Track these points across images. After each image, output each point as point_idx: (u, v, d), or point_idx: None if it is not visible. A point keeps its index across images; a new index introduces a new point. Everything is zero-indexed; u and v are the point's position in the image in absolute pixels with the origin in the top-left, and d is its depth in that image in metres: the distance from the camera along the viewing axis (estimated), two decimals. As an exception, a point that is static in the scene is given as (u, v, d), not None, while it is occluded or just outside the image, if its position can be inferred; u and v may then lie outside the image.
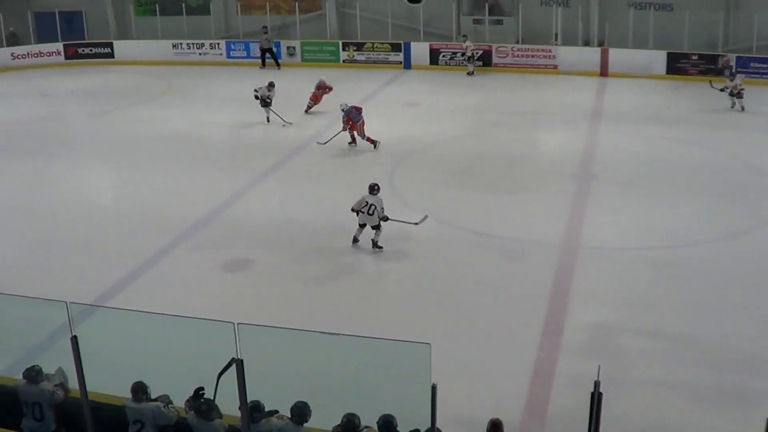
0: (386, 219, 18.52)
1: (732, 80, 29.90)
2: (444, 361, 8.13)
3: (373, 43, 39.97)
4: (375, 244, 18.58)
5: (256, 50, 41.44)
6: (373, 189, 18.71)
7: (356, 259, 18.23)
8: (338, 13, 42.02)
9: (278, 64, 40.70)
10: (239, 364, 8.63)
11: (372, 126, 25.97)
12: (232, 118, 30.66)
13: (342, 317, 15.15)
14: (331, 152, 25.92)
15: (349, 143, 26.12)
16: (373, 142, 25.63)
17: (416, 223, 18.57)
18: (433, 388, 8.13)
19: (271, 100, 29.52)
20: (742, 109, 29.28)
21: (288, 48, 41.29)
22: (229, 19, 44.34)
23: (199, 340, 9.70)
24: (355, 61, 40.20)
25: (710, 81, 30.35)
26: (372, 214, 18.39)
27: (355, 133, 26.05)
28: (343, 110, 26.00)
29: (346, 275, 17.65)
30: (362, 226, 18.67)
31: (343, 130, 26.10)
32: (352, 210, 18.60)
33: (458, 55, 38.06)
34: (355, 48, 40.41)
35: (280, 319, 10.73)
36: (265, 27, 41.09)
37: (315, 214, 20.85)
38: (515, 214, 20.57)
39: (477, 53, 37.58)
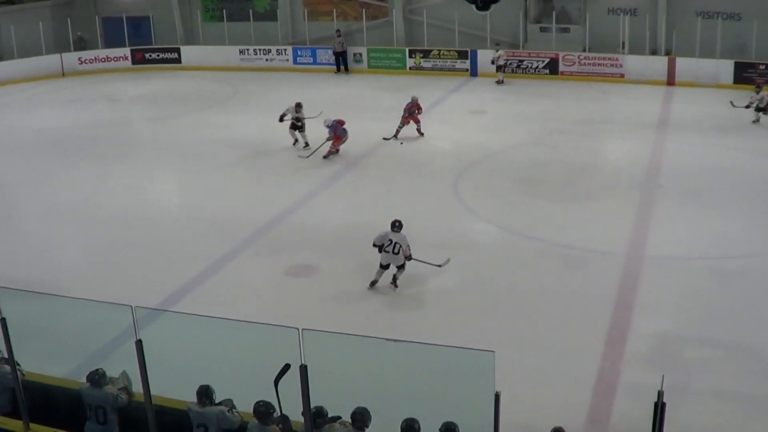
0: (410, 258, 17.33)
1: (758, 93, 29.43)
2: (506, 368, 8.09)
3: (440, 50, 39.90)
4: (395, 282, 17.41)
5: (322, 57, 41.58)
6: (395, 226, 17.45)
7: (418, 267, 18.18)
8: (405, 20, 42.01)
9: (347, 69, 40.78)
10: (303, 369, 8.65)
11: (438, 133, 25.95)
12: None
13: (404, 324, 15.17)
14: (395, 158, 25.92)
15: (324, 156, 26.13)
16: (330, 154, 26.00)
17: (439, 266, 17.70)
18: (497, 396, 8.08)
19: (302, 122, 27.39)
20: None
21: (354, 54, 41.32)
22: (296, 25, 44.52)
23: (263, 346, 9.72)
24: (422, 68, 40.15)
25: (731, 101, 29.79)
26: (397, 253, 17.18)
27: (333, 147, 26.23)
28: (328, 126, 25.88)
29: (409, 282, 17.57)
30: (384, 267, 17.30)
31: (333, 146, 26.21)
32: (374, 245, 17.42)
33: (491, 63, 37.72)
34: (421, 55, 40.37)
35: (343, 325, 10.74)
36: (338, 30, 41.10)
37: (379, 221, 20.79)
38: (580, 223, 20.41)
39: (507, 62, 37.38)
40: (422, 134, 28.04)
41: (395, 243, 17.12)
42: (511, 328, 15.13)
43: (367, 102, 34.10)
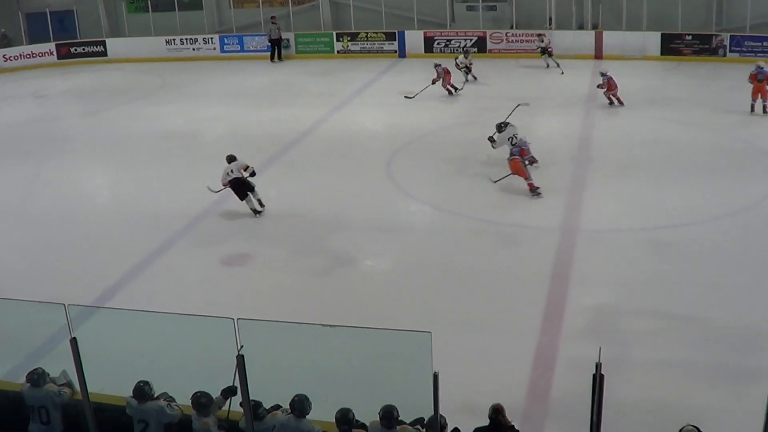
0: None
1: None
2: (445, 348, 8.12)
3: (368, 33, 39.90)
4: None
5: (250, 44, 41.36)
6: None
7: (352, 251, 18.20)
8: (331, 4, 41.93)
9: (281, 57, 40.52)
10: (240, 359, 8.62)
11: (369, 116, 25.94)
12: (227, 113, 30.58)
13: (341, 309, 15.13)
14: (326, 143, 25.90)
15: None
16: None
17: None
18: (435, 376, 8.10)
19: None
20: None
21: (283, 40, 41.15)
22: (222, 13, 44.26)
23: (200, 337, 9.69)
24: (350, 52, 40.12)
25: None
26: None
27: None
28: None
29: (343, 267, 17.59)
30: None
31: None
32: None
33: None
34: (349, 38, 40.34)
35: (280, 313, 10.69)
36: (274, 17, 40.90)
37: (310, 207, 20.82)
38: (513, 200, 20.53)
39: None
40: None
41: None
42: (448, 308, 15.18)
43: (296, 88, 33.96)
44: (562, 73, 33.91)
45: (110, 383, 10.31)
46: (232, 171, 20.55)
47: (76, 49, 44.27)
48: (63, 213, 21.78)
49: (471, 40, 37.75)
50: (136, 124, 29.74)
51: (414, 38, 39.04)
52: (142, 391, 9.90)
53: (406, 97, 30.83)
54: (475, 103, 29.76)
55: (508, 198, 20.69)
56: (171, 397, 10.05)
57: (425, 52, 38.44)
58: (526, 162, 21.07)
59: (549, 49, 35.49)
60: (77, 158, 27.10)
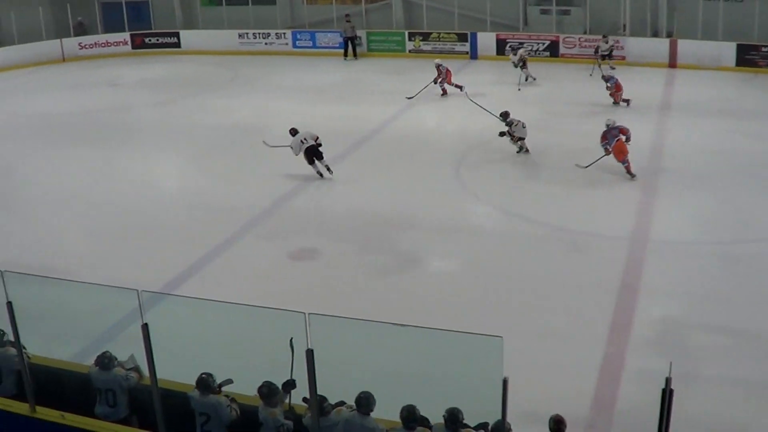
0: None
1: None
2: (509, 353, 8.07)
3: (440, 33, 39.84)
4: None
5: (322, 40, 41.47)
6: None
7: (420, 251, 18.21)
8: (404, 3, 41.93)
9: (356, 55, 40.53)
10: (309, 354, 8.64)
11: (438, 116, 25.90)
12: (298, 107, 30.69)
13: (406, 309, 15.08)
14: (396, 142, 25.88)
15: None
16: None
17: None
18: (505, 382, 8.05)
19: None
20: None
21: (357, 38, 41.19)
22: (295, 8, 44.44)
23: (269, 330, 9.73)
24: (421, 51, 40.06)
25: None
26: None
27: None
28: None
29: (410, 267, 17.59)
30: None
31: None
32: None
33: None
34: (421, 38, 40.29)
35: (346, 310, 10.72)
36: (348, 15, 40.98)
37: (378, 205, 20.85)
38: (584, 207, 20.39)
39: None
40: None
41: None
42: (515, 314, 15.10)
43: (367, 86, 34.01)
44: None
45: (177, 370, 10.38)
46: (305, 139, 22.46)
47: (150, 40, 44.78)
48: (134, 200, 22.05)
49: (543, 43, 37.56)
50: (206, 116, 29.97)
51: (486, 40, 38.89)
52: (206, 383, 9.95)
53: (407, 98, 31.15)
54: (546, 107, 29.57)
55: (579, 205, 20.56)
56: (231, 397, 10.08)
57: (497, 54, 38.26)
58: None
59: (604, 54, 35.28)
60: (149, 147, 27.40)
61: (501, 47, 38.57)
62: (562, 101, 30.31)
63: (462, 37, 39.47)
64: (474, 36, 39.26)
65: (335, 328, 9.20)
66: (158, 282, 16.18)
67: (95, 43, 44.50)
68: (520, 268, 17.19)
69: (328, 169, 22.60)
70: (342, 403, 9.71)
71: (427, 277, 17.36)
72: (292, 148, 22.66)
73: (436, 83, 31.72)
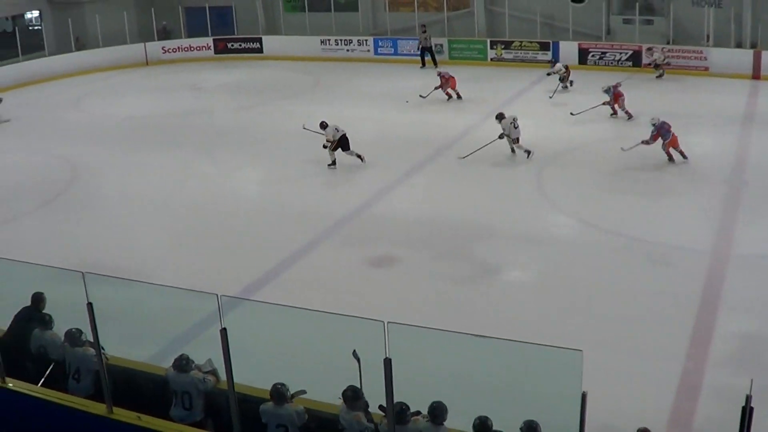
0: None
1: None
2: (587, 366, 7.97)
3: (521, 42, 39.64)
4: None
5: (404, 48, 41.40)
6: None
7: (498, 260, 18.12)
8: (486, 11, 41.80)
9: (435, 63, 40.40)
10: (387, 362, 8.61)
11: (521, 125, 25.70)
12: (379, 114, 30.74)
13: (484, 319, 15.07)
14: (480, 151, 25.76)
15: None
16: None
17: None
18: (583, 396, 7.96)
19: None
20: None
21: (435, 45, 41.03)
22: (377, 15, 44.51)
23: (347, 337, 9.73)
24: (503, 60, 39.88)
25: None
26: None
27: None
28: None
29: (488, 276, 17.52)
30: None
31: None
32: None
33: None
34: (503, 46, 40.10)
35: (423, 318, 10.69)
36: (424, 25, 40.87)
37: (457, 212, 20.81)
38: (664, 219, 20.11)
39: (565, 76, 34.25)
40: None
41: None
42: (593, 326, 14.95)
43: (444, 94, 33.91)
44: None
45: (252, 375, 10.42)
46: (338, 129, 24.62)
47: (232, 45, 45.17)
48: (214, 204, 22.27)
49: (626, 53, 37.17)
50: (288, 122, 30.01)
51: (568, 49, 38.57)
52: (279, 393, 9.95)
53: (420, 96, 32.65)
54: (628, 118, 29.29)
55: (659, 216, 20.29)
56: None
57: (579, 63, 37.89)
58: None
59: (660, 64, 34.82)
60: (229, 151, 27.56)
61: (583, 56, 38.24)
62: (642, 112, 29.83)
63: (544, 46, 39.21)
64: (556, 45, 38.99)
65: (413, 337, 9.16)
66: (236, 286, 16.33)
67: (178, 48, 45.07)
68: (599, 280, 17.01)
69: (360, 156, 24.68)
70: (418, 413, 9.68)
71: (505, 286, 17.27)
72: (325, 135, 24.59)
73: (441, 89, 32.45)
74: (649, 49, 35.54)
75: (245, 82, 38.72)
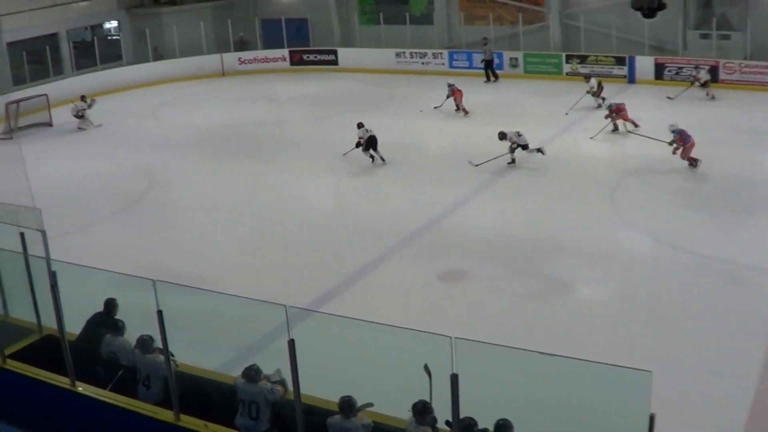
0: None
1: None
2: (657, 385, 7.85)
3: (597, 56, 39.30)
4: None
5: (478, 61, 41.21)
6: None
7: (569, 277, 17.98)
8: (562, 25, 41.54)
9: (496, 76, 40.12)
10: (454, 378, 8.58)
11: (596, 141, 25.54)
12: (452, 127, 30.68)
13: (554, 336, 14.94)
14: (549, 165, 25.59)
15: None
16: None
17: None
18: (651, 418, 7.85)
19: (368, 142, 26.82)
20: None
21: (510, 59, 40.90)
22: (452, 29, 44.39)
23: (414, 352, 9.70)
24: (578, 74, 39.55)
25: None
26: None
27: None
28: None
29: (559, 293, 17.39)
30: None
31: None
32: None
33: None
34: (578, 60, 39.80)
35: (492, 335, 10.60)
36: (486, 38, 40.81)
37: (529, 228, 20.69)
38: (739, 237, 19.87)
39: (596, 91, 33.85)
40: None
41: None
42: (665, 344, 14.77)
43: (522, 107, 33.71)
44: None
45: (320, 387, 10.43)
46: (369, 129, 26.47)
47: (308, 57, 45.40)
48: (286, 214, 22.43)
49: (703, 68, 36.68)
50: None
51: (644, 64, 38.18)
52: (348, 404, 9.94)
53: (435, 107, 33.34)
54: (707, 135, 28.85)
55: (736, 235, 20.05)
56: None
57: (655, 78, 37.52)
58: None
59: (702, 81, 34.26)
60: (302, 162, 27.69)
61: (659, 71, 37.83)
62: (721, 128, 29.45)
63: (620, 61, 38.83)
64: (632, 60, 38.60)
65: (480, 353, 9.11)
66: (306, 298, 16.37)
67: (254, 59, 45.44)
68: (673, 299, 16.75)
69: (382, 158, 26.39)
70: (485, 430, 9.62)
71: (575, 304, 17.12)
72: (360, 137, 26.50)
73: (452, 100, 33.17)
74: (696, 68, 35.05)
75: (319, 94, 38.84)
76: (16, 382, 12.62)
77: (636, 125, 28.41)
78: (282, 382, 10.64)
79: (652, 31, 38.39)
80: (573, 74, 39.38)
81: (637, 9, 23.81)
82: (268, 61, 45.43)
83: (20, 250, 12.86)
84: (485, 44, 40.31)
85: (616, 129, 28.87)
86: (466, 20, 43.39)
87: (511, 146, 25.37)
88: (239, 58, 45.25)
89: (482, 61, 40.23)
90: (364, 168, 26.21)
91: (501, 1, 42.38)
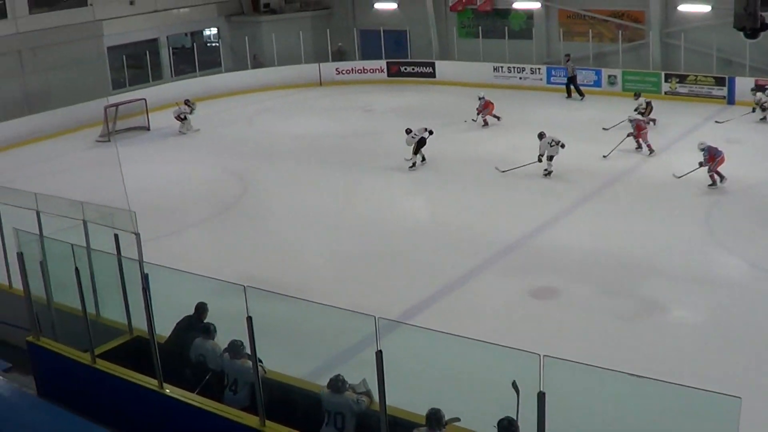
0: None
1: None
2: (745, 413, 7.68)
3: (696, 76, 38.73)
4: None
5: (566, 76, 40.94)
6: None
7: (661, 299, 17.72)
8: (662, 43, 41.04)
9: (581, 93, 39.48)
10: (541, 396, 8.50)
11: (689, 161, 25.15)
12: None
13: (644, 358, 14.78)
14: (646, 185, 25.27)
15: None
16: None
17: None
18: (738, 446, 7.72)
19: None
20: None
21: (609, 76, 40.49)
22: (551, 44, 44.04)
23: (502, 368, 9.62)
24: (677, 93, 38.97)
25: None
26: None
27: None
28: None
29: (651, 314, 17.16)
30: None
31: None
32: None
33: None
34: (677, 80, 39.26)
35: (582, 354, 10.49)
36: (568, 55, 40.49)
37: (622, 247, 20.44)
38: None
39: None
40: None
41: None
42: (755, 372, 14.52)
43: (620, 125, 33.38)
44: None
45: (406, 399, 10.40)
46: (416, 134, 27.92)
47: (405, 68, 45.44)
48: (376, 226, 22.48)
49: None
50: (455, 147, 30.08)
51: (744, 85, 37.51)
52: (436, 417, 9.83)
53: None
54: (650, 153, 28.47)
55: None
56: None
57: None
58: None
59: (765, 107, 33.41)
60: (395, 174, 27.74)
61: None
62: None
63: (719, 81, 38.19)
64: (732, 80, 37.92)
65: (569, 372, 9.02)
66: (396, 309, 16.39)
67: (352, 69, 45.63)
68: (765, 325, 16.45)
69: (423, 157, 28.12)
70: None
71: (667, 326, 16.88)
72: (414, 137, 27.92)
73: (479, 114, 34.08)
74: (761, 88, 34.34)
75: (416, 106, 38.75)
76: (105, 381, 12.81)
77: (651, 150, 28.47)
78: (368, 393, 10.63)
79: (754, 52, 37.71)
80: (671, 93, 38.83)
81: (740, 29, 23.41)
82: (365, 72, 45.61)
83: (114, 251, 13.05)
84: (567, 60, 40.01)
85: (639, 147, 28.77)
86: (565, 36, 43.03)
87: (540, 153, 26.27)
88: (337, 68, 45.49)
89: (566, 78, 39.93)
90: (458, 182, 26.17)
91: (601, 17, 41.94)
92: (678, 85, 38.94)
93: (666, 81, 39.26)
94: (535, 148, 26.17)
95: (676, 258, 19.74)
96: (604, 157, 28.09)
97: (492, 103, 34.02)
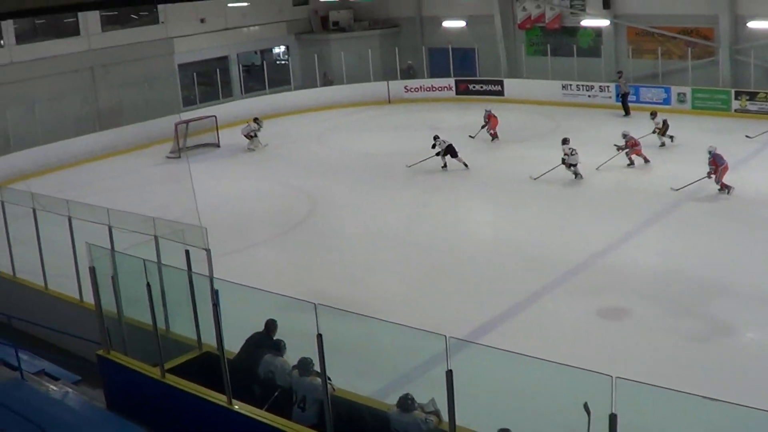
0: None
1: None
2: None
3: (767, 93, 38.25)
4: None
5: (645, 95, 40.58)
6: None
7: (733, 319, 17.46)
8: (732, 61, 40.59)
9: (627, 111, 39.48)
10: (613, 419, 8.41)
11: (761, 179, 24.77)
12: (617, 162, 30.21)
13: (715, 379, 14.63)
14: (719, 203, 24.95)
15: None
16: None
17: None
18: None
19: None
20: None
21: (678, 94, 40.13)
22: (620, 62, 43.77)
23: (572, 389, 9.54)
24: (747, 111, 38.49)
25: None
26: None
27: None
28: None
29: (722, 335, 16.94)
30: None
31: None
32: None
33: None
34: (747, 97, 38.78)
35: (653, 375, 10.36)
36: (620, 72, 40.39)
37: (692, 267, 20.19)
38: None
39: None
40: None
41: None
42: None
43: (689, 144, 32.92)
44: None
45: (475, 419, 10.35)
46: (445, 141, 30.39)
47: (474, 86, 45.44)
48: (444, 244, 22.46)
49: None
50: (524, 165, 29.92)
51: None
52: (506, 436, 9.83)
53: (469, 136, 35.12)
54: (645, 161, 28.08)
55: None
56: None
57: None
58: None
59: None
60: (464, 193, 27.73)
61: (831, 112, 36.58)
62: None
63: (790, 99, 37.74)
64: (802, 98, 37.46)
65: (640, 393, 8.91)
66: (465, 328, 16.31)
67: (420, 87, 45.77)
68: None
69: (465, 164, 30.25)
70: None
71: (739, 348, 16.66)
72: (439, 146, 30.27)
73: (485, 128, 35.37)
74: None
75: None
76: (174, 396, 12.90)
77: (647, 160, 29.13)
78: (436, 413, 10.59)
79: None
80: (741, 111, 38.33)
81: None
82: (433, 90, 45.71)
83: (185, 267, 13.15)
84: (620, 77, 39.74)
85: (631, 163, 29.13)
86: (633, 54, 42.74)
87: (563, 158, 27.96)
88: (405, 86, 45.67)
89: (620, 95, 39.68)
90: (525, 201, 26.08)
91: (670, 35, 41.59)
92: (748, 102, 38.44)
93: (736, 98, 38.78)
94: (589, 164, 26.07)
95: (748, 277, 19.45)
96: (597, 169, 28.60)
97: (496, 118, 34.93)
